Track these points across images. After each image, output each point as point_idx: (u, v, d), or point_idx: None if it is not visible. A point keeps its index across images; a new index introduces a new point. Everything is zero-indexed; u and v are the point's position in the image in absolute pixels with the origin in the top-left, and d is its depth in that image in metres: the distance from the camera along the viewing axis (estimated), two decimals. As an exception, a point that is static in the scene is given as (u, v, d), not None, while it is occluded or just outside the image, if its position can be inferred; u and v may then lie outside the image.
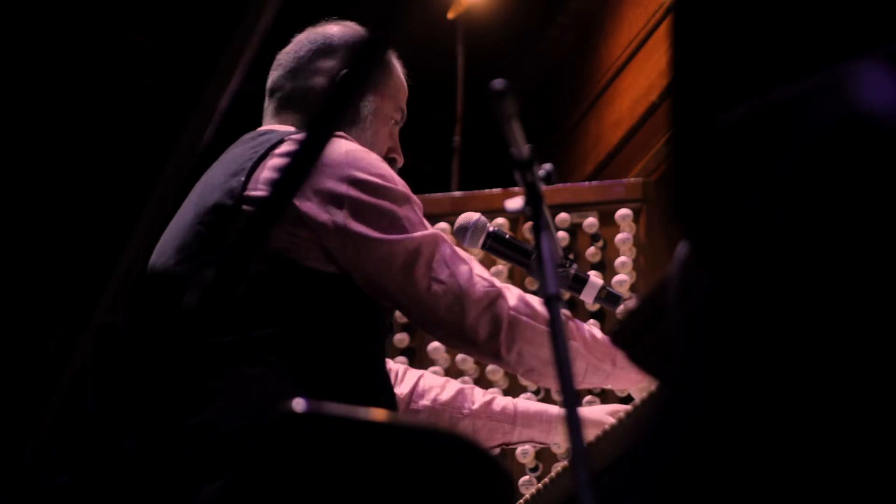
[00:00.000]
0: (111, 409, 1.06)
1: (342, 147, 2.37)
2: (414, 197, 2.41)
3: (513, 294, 2.39)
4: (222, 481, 2.07)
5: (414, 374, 2.75)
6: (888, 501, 0.84)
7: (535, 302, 2.41)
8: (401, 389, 2.70)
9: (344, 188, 2.33)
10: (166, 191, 1.22)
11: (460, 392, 2.69)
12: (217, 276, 1.05)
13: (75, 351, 1.41)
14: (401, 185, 2.39)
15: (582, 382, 2.50)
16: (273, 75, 2.62)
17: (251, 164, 2.34)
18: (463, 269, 2.36)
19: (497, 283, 2.39)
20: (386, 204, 2.34)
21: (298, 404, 1.54)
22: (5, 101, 4.62)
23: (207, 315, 1.05)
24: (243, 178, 2.32)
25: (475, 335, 2.35)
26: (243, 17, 1.19)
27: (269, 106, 2.62)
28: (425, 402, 2.69)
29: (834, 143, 0.88)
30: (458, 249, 2.41)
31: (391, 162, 2.61)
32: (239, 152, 2.43)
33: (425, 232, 2.36)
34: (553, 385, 2.56)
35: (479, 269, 2.39)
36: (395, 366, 2.76)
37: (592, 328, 2.52)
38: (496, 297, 2.36)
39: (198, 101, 1.21)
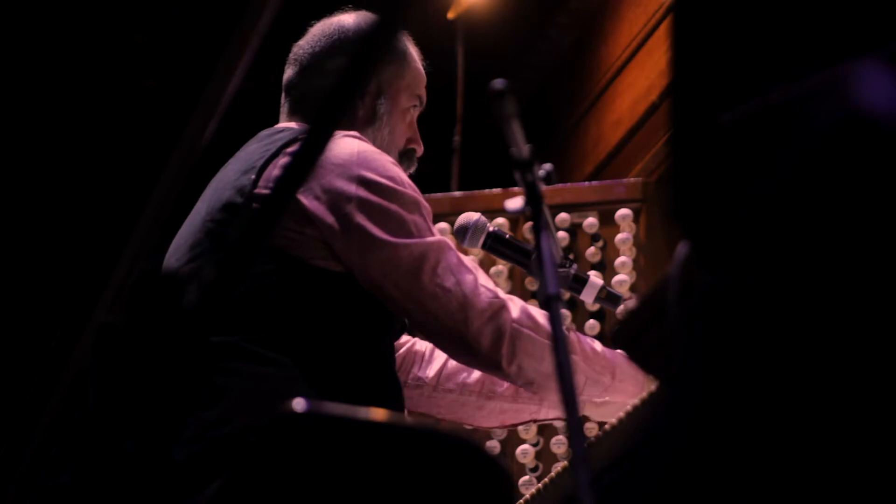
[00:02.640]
0: (111, 408, 1.06)
1: (354, 147, 2.36)
2: (424, 202, 2.39)
3: (516, 306, 2.38)
4: (223, 481, 2.07)
5: (442, 353, 2.71)
6: (888, 501, 0.84)
7: (538, 314, 2.40)
8: (428, 371, 2.67)
9: (353, 188, 2.31)
10: (166, 191, 1.22)
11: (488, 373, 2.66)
12: (217, 274, 1.05)
13: (75, 351, 1.41)
14: (411, 188, 2.38)
15: (580, 395, 2.48)
16: (288, 72, 2.60)
17: (262, 162, 2.33)
18: (468, 278, 2.35)
19: (501, 294, 2.38)
20: (395, 207, 2.33)
21: (298, 404, 1.54)
22: (6, 101, 4.62)
23: (207, 314, 1.05)
24: (254, 176, 2.31)
25: (477, 345, 2.34)
26: (243, 17, 1.19)
27: (284, 103, 2.60)
28: (452, 385, 2.67)
29: (834, 144, 0.88)
30: (465, 258, 2.40)
31: (410, 153, 2.61)
32: (253, 149, 2.42)
33: (432, 238, 2.35)
34: (551, 397, 2.55)
35: (483, 280, 2.38)
36: (422, 345, 2.74)
37: (593, 341, 2.52)
38: (500, 308, 2.35)
39: (198, 100, 1.21)
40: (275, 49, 2.65)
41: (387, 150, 2.52)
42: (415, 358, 2.69)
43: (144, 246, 1.24)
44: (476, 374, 2.67)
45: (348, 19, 2.60)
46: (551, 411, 2.65)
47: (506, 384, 2.64)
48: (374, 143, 2.50)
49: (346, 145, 2.36)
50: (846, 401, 0.86)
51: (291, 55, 2.61)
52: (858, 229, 0.86)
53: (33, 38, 4.55)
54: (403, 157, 2.59)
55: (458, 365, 2.68)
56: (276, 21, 1.20)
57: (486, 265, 3.27)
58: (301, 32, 2.66)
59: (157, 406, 1.05)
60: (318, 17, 2.67)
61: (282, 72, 2.64)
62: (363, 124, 2.53)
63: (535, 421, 2.70)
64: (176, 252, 2.41)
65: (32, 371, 4.11)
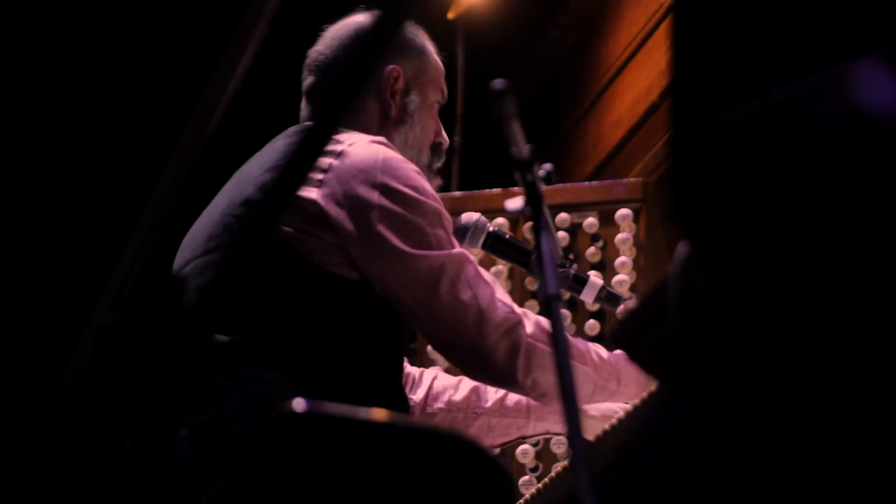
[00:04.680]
0: (111, 408, 1.06)
1: (379, 153, 2.34)
2: (446, 213, 2.38)
3: (531, 321, 2.37)
4: (223, 481, 2.07)
5: (429, 375, 2.74)
6: (888, 501, 0.84)
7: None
8: (416, 394, 2.69)
9: (376, 196, 2.30)
10: (166, 191, 1.22)
11: (474, 391, 2.68)
12: (218, 275, 1.05)
13: (75, 351, 1.41)
14: (433, 199, 2.36)
15: (588, 403, 2.49)
16: (308, 79, 2.58)
17: None
18: (486, 291, 2.34)
19: (517, 308, 2.38)
20: (416, 217, 2.32)
21: (298, 404, 1.54)
22: (5, 101, 4.62)
23: (207, 314, 1.05)
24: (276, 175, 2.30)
25: (492, 359, 2.33)
26: (243, 17, 1.19)
27: (307, 107, 2.57)
28: (440, 404, 2.68)
29: (834, 143, 0.88)
30: (483, 271, 2.39)
31: (438, 146, 2.60)
32: (279, 146, 2.42)
33: (452, 251, 2.34)
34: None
35: (500, 294, 2.37)
36: (412, 369, 2.75)
37: (597, 346, 2.51)
38: (516, 323, 2.34)
39: (198, 100, 1.21)
40: (275, 50, 2.66)
41: (419, 147, 2.53)
42: (405, 381, 2.69)
43: (144, 246, 1.24)
44: (462, 391, 2.68)
45: (364, 19, 2.59)
46: (539, 425, 2.65)
47: (491, 400, 2.65)
48: (407, 142, 2.51)
49: (372, 151, 2.34)
50: (846, 400, 0.86)
51: (309, 61, 2.59)
52: (858, 229, 0.86)
53: (33, 38, 4.55)
54: (433, 151, 2.59)
55: (445, 384, 2.70)
56: (276, 21, 1.19)
57: (486, 265, 3.26)
58: (301, 33, 2.65)
59: (157, 406, 1.05)
60: (319, 18, 2.66)
61: (283, 72, 2.64)
62: (395, 125, 2.53)
63: (523, 437, 2.70)
64: (191, 243, 2.40)
65: (32, 371, 4.11)
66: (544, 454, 3.14)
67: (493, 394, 2.67)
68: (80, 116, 4.70)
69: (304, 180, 1.08)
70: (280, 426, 1.56)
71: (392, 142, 2.44)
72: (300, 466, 1.54)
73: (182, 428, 1.07)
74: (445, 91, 2.64)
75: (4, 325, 4.58)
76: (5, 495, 1.60)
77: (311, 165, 1.08)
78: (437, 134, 2.60)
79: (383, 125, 2.51)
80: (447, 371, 3.25)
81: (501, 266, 3.32)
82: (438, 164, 2.59)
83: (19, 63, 4.57)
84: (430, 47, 2.63)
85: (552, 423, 2.65)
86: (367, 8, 2.64)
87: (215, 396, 2.16)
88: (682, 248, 1.24)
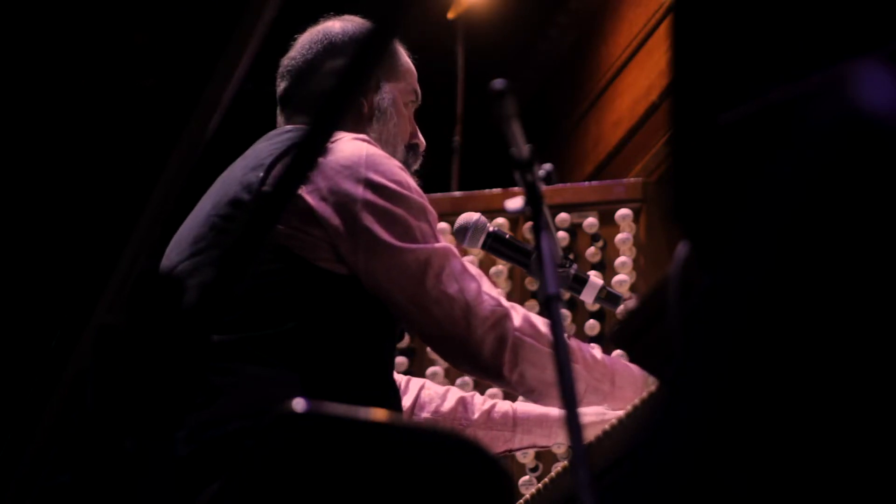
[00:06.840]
0: (111, 408, 1.07)
1: (362, 150, 2.36)
2: (430, 208, 2.40)
3: (518, 314, 2.38)
4: (222, 481, 2.07)
5: (416, 384, 2.75)
6: (888, 501, 0.84)
7: (540, 323, 2.40)
8: (405, 401, 2.69)
9: (360, 190, 2.32)
10: (166, 191, 1.22)
11: (461, 402, 2.69)
12: (217, 274, 1.05)
13: (75, 351, 1.41)
14: (417, 194, 2.38)
15: (581, 403, 2.48)
16: (283, 84, 2.60)
17: (271, 160, 2.34)
18: (472, 285, 2.35)
19: (504, 302, 2.38)
20: (401, 211, 2.33)
21: (298, 404, 1.54)
22: (6, 101, 4.62)
23: (207, 313, 1.05)
24: (262, 174, 2.32)
25: (479, 352, 2.33)
26: (244, 17, 1.19)
27: (280, 115, 2.60)
28: (426, 413, 2.69)
29: (834, 143, 0.88)
30: (469, 265, 2.40)
31: (415, 147, 2.62)
32: (262, 148, 2.43)
33: (437, 245, 2.35)
34: (553, 405, 2.55)
35: (487, 287, 2.38)
36: (399, 377, 2.75)
37: (592, 347, 2.52)
38: (502, 316, 2.35)
39: (198, 100, 1.21)
40: (276, 49, 2.66)
41: (393, 144, 2.54)
42: None
43: (144, 246, 1.24)
44: (450, 402, 2.69)
45: (336, 26, 2.62)
46: (525, 438, 2.66)
47: (478, 412, 2.65)
48: (383, 137, 2.52)
49: (355, 148, 2.36)
50: (846, 400, 0.86)
51: (283, 68, 2.62)
52: (858, 229, 0.86)
53: (33, 38, 4.55)
54: (409, 151, 2.60)
55: (432, 394, 2.71)
56: (276, 21, 1.19)
57: (486, 265, 3.26)
58: (301, 32, 2.66)
59: (156, 406, 1.05)
60: (318, 18, 2.67)
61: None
62: (369, 121, 2.55)
63: (509, 451, 2.70)
64: (177, 247, 2.41)
65: (32, 371, 4.11)
66: (544, 454, 3.14)
67: (479, 406, 2.67)
68: (81, 116, 4.70)
69: (304, 180, 1.08)
70: (280, 426, 1.56)
71: None
72: (300, 466, 1.54)
73: (181, 428, 1.07)
74: (419, 91, 2.66)
75: (4, 325, 4.58)
76: (5, 495, 1.60)
77: (312, 164, 1.08)
78: (413, 135, 2.62)
79: (357, 123, 2.53)
80: (447, 371, 3.26)
81: (501, 266, 3.32)
82: (416, 166, 2.60)
83: (20, 63, 4.57)
84: (401, 48, 2.65)
85: (538, 437, 2.66)
86: (363, 10, 2.65)
87: (211, 395, 2.16)
88: (682, 248, 1.24)
